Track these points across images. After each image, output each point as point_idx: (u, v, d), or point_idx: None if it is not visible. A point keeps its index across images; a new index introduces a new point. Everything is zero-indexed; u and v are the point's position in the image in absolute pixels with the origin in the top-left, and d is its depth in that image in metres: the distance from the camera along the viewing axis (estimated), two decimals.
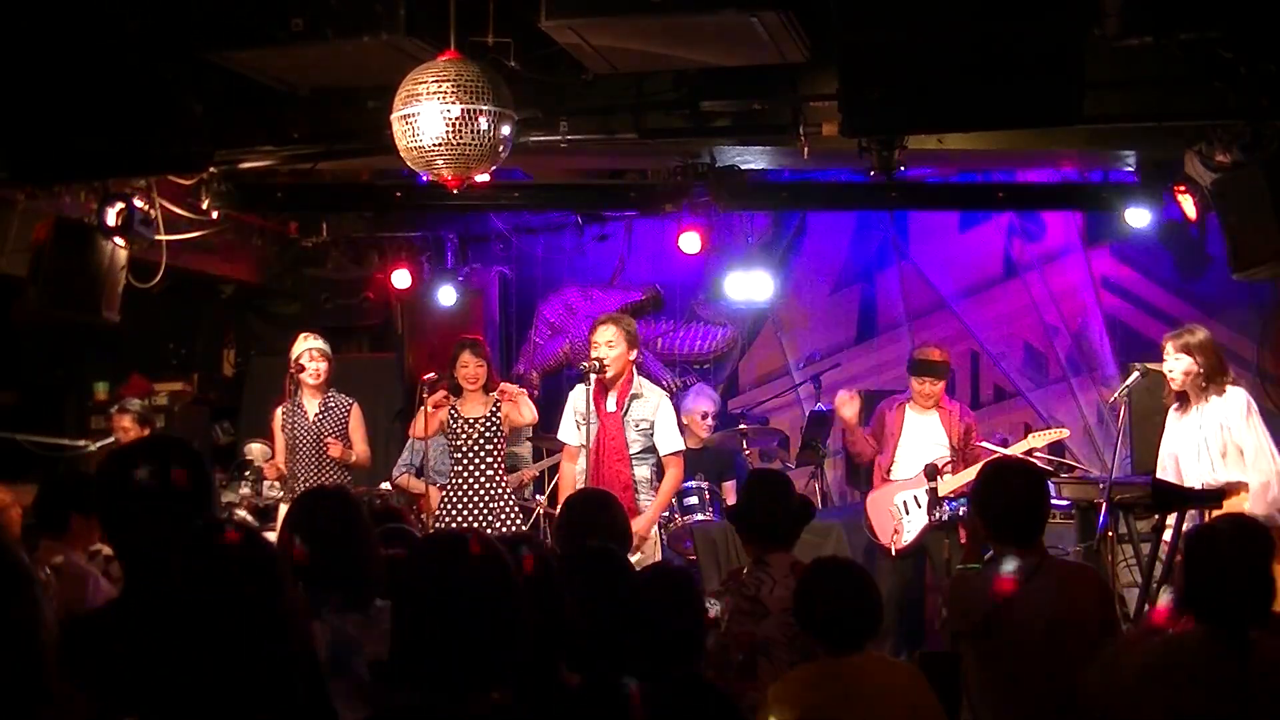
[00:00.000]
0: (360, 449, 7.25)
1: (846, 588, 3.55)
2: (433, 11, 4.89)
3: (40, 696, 1.86)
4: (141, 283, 6.94)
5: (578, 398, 6.45)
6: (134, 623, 1.96)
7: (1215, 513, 5.63)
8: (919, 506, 6.89)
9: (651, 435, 6.36)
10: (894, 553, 6.92)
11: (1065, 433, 7.38)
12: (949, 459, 6.97)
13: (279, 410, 7.22)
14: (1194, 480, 6.00)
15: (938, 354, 7.30)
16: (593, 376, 6.28)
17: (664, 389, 6.98)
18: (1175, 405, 6.16)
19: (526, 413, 6.76)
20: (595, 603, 2.81)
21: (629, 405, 6.33)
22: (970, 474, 6.61)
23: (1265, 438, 5.92)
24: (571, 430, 6.47)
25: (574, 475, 6.43)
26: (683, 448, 6.52)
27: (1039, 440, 7.06)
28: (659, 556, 6.54)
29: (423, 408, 6.70)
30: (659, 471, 6.48)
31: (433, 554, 2.40)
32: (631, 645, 2.84)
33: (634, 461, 6.30)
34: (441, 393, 6.70)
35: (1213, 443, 5.96)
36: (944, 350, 7.43)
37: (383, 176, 7.64)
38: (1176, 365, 6.02)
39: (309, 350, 7.18)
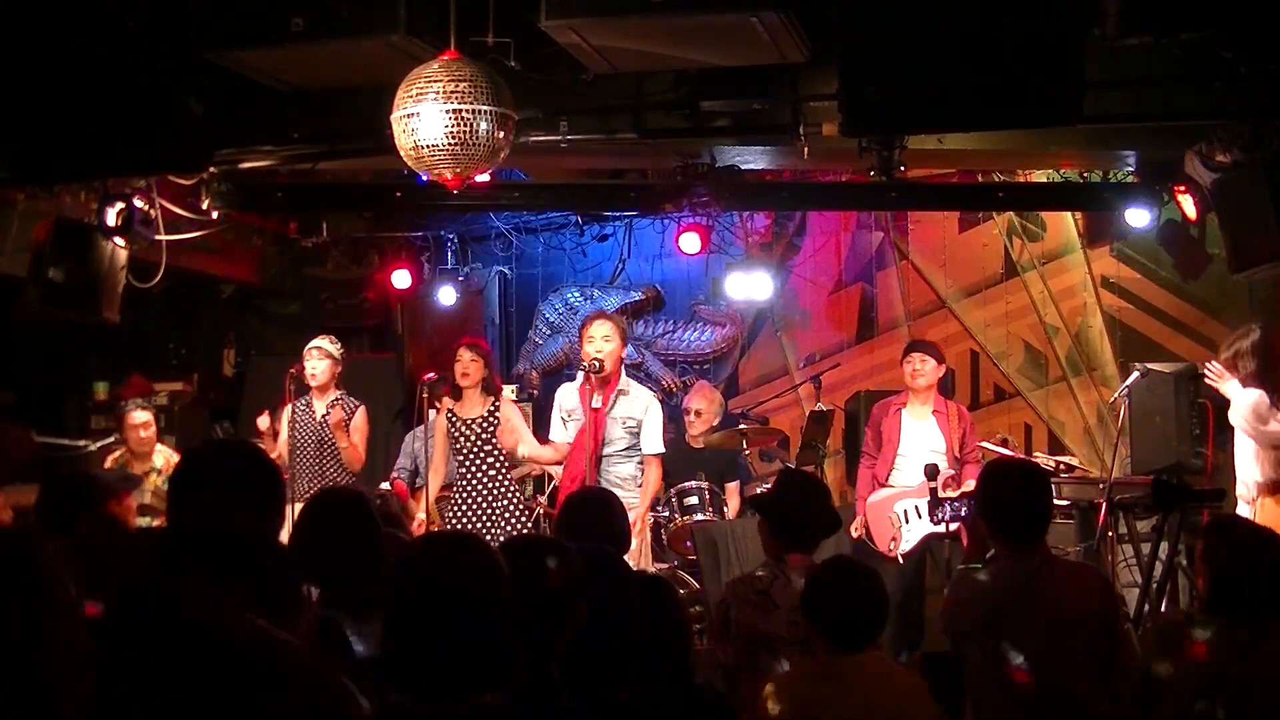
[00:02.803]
0: (357, 452, 7.26)
1: (856, 587, 3.55)
2: (433, 12, 4.89)
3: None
4: (141, 283, 6.94)
5: (563, 396, 6.48)
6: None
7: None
8: (919, 516, 6.86)
9: (638, 434, 6.37)
10: (900, 560, 6.91)
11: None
12: (949, 469, 6.92)
13: (289, 407, 7.26)
14: (1255, 475, 5.95)
15: (930, 339, 7.33)
16: (582, 375, 6.31)
17: (664, 389, 7.00)
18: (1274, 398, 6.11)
19: (509, 437, 6.72)
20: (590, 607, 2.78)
21: (615, 401, 6.34)
22: (970, 485, 6.60)
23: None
24: (560, 428, 6.50)
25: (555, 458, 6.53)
26: (663, 451, 6.52)
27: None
28: (649, 559, 6.54)
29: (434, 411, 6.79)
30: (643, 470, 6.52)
31: (424, 556, 2.40)
32: (612, 653, 2.82)
33: (617, 459, 6.32)
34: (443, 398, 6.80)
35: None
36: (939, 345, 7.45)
37: (383, 176, 7.64)
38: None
39: (310, 349, 7.24)
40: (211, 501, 2.71)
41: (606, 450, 6.34)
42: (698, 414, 8.09)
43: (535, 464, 7.54)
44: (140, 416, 7.30)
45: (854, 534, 7.09)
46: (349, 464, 7.22)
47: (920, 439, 7.04)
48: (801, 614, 3.65)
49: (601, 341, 6.31)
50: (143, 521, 6.15)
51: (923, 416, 7.08)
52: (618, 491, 6.24)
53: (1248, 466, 5.92)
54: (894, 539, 6.96)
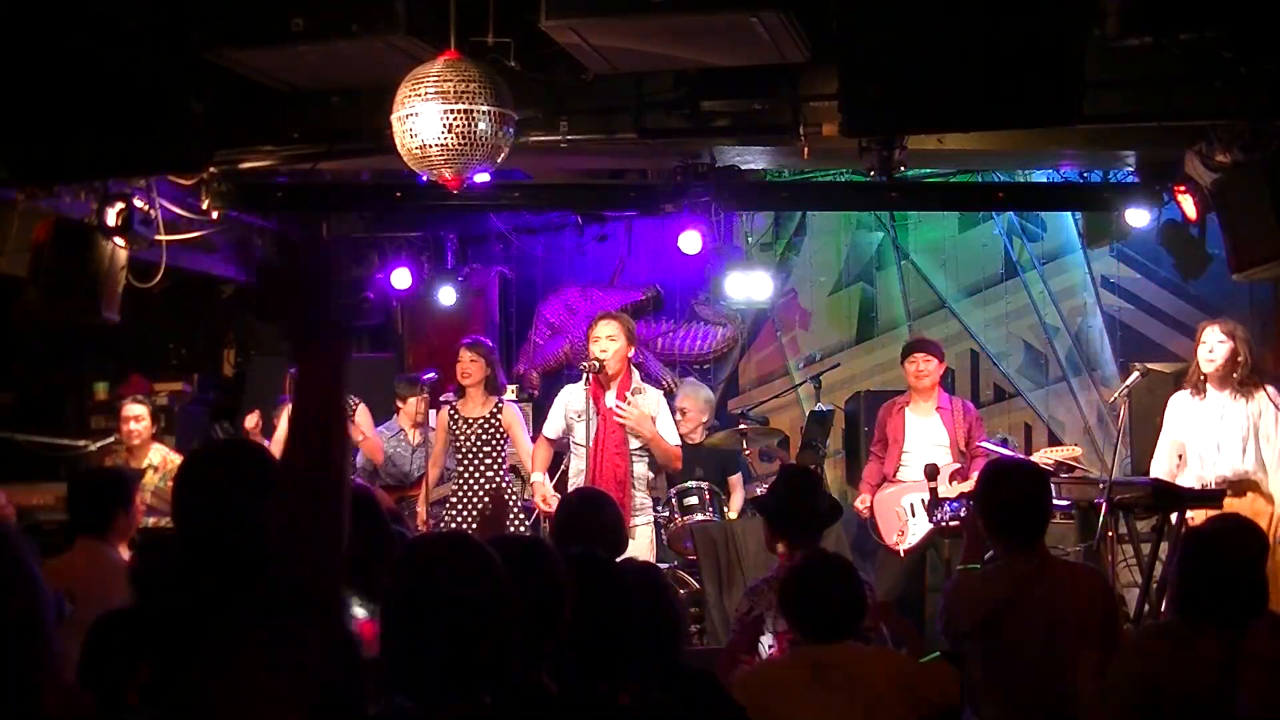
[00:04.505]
0: (371, 443, 7.41)
1: (831, 580, 3.59)
2: (433, 12, 4.89)
3: (34, 688, 1.86)
4: (141, 283, 6.94)
5: (570, 396, 6.47)
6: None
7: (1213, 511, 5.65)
8: (926, 510, 6.90)
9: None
10: (902, 554, 6.93)
11: (1078, 450, 7.36)
12: (953, 463, 6.94)
13: (289, 406, 7.27)
14: (1219, 471, 6.03)
15: (928, 337, 7.45)
16: (588, 375, 6.31)
17: (663, 389, 7.03)
18: (1191, 391, 6.16)
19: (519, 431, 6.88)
20: (577, 610, 2.78)
21: (632, 401, 6.34)
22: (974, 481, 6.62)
23: None
24: (556, 425, 6.49)
25: (545, 458, 6.61)
26: (679, 441, 6.57)
27: (1055, 455, 7.07)
28: (654, 557, 6.54)
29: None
30: (657, 469, 6.52)
31: (421, 557, 2.40)
32: (606, 650, 2.82)
33: (633, 457, 6.32)
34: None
35: (1240, 434, 6.02)
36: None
37: (383, 176, 7.64)
38: (1220, 348, 6.03)
39: None
40: (220, 502, 2.71)
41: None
42: (683, 413, 8.09)
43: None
44: (133, 410, 7.32)
45: (861, 508, 7.18)
46: (369, 455, 7.31)
47: (925, 435, 7.09)
48: (780, 607, 3.67)
49: (606, 341, 6.32)
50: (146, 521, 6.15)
51: (927, 413, 7.13)
52: (632, 491, 6.27)
53: (1230, 460, 6.00)
54: (900, 532, 6.98)
